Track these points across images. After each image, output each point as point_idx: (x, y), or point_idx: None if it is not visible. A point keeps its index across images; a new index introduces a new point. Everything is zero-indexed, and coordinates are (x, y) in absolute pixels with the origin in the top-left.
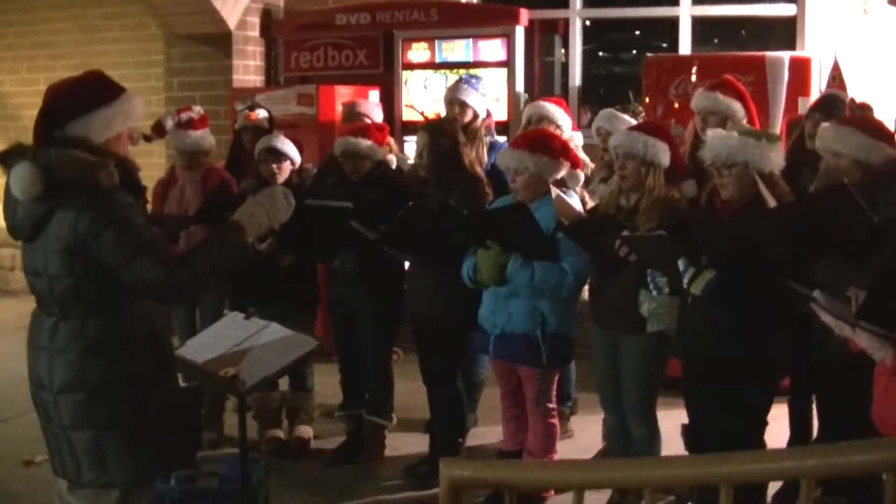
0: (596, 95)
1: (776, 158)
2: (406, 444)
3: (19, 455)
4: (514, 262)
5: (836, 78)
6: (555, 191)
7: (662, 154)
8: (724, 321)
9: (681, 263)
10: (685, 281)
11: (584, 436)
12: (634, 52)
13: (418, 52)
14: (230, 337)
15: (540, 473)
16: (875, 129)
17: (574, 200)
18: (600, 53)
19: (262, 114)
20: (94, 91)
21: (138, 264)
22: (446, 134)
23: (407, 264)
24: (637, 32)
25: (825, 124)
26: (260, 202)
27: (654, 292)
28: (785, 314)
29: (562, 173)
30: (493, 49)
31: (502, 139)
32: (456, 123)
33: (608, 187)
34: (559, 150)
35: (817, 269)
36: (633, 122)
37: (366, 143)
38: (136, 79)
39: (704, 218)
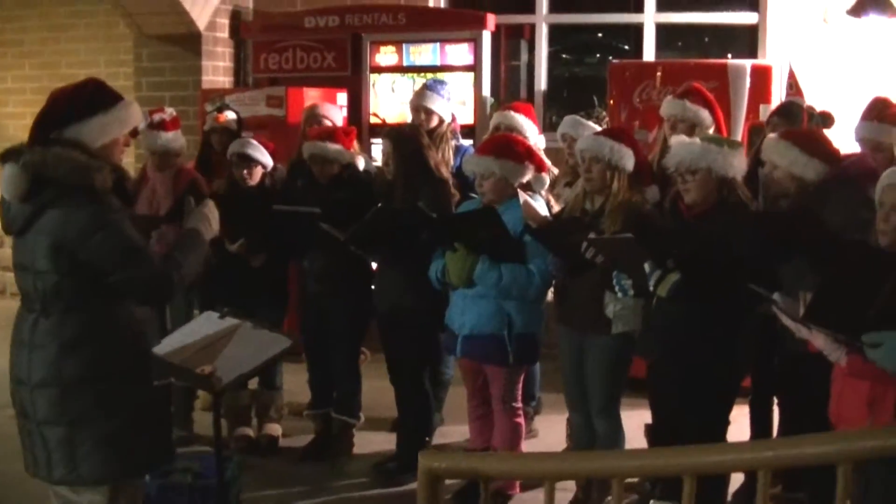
0: (561, 99)
1: (738, 164)
2: (374, 442)
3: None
4: (481, 264)
5: (793, 86)
6: (522, 195)
7: (627, 158)
8: (689, 322)
9: (647, 266)
10: (651, 283)
11: (548, 435)
12: (599, 55)
13: (386, 55)
14: (205, 335)
15: (514, 464)
16: (813, 145)
17: (540, 204)
18: (564, 56)
19: (230, 115)
20: (91, 97)
21: (130, 268)
22: (409, 139)
23: (374, 264)
24: (600, 35)
25: (771, 135)
26: (206, 214)
27: (620, 294)
28: (747, 316)
29: (527, 177)
30: (460, 53)
31: (468, 142)
32: (419, 128)
33: (573, 191)
34: (524, 154)
35: (781, 272)
36: (598, 128)
37: (333, 146)
38: (104, 78)
39: (669, 221)
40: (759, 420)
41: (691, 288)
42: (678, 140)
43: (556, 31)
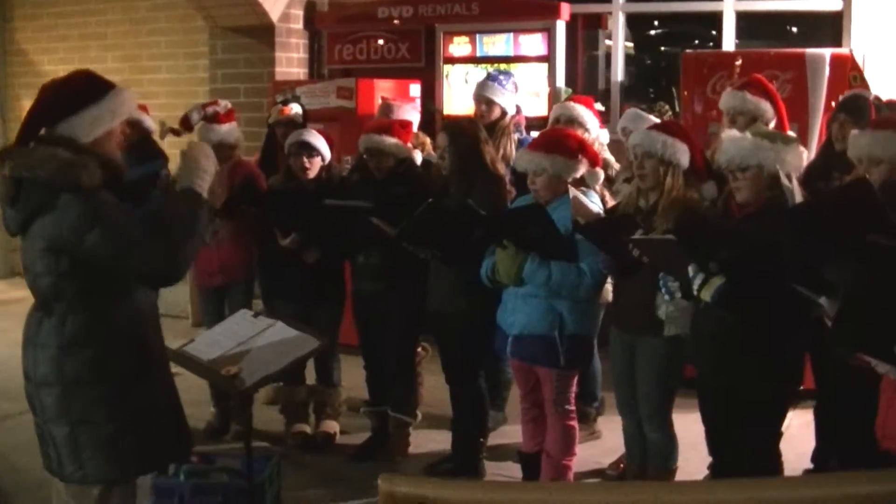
0: (640, 89)
1: (792, 160)
2: (432, 440)
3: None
4: (530, 262)
5: (857, 77)
6: (572, 190)
7: (681, 154)
8: (734, 328)
9: (690, 269)
10: (695, 287)
11: (611, 437)
12: (697, 41)
13: (459, 45)
14: (237, 335)
15: (478, 493)
16: None
17: (594, 199)
18: (664, 48)
19: (295, 108)
20: (82, 90)
21: (135, 257)
22: (466, 133)
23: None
24: (712, 31)
25: (855, 131)
26: (193, 157)
27: (666, 297)
28: (797, 320)
29: (581, 172)
30: (533, 43)
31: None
32: (477, 122)
33: (630, 188)
34: (576, 149)
35: (828, 271)
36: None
37: (389, 140)
38: (183, 70)
39: (715, 222)
40: (824, 429)
41: (736, 292)
42: (729, 135)
43: (639, 21)
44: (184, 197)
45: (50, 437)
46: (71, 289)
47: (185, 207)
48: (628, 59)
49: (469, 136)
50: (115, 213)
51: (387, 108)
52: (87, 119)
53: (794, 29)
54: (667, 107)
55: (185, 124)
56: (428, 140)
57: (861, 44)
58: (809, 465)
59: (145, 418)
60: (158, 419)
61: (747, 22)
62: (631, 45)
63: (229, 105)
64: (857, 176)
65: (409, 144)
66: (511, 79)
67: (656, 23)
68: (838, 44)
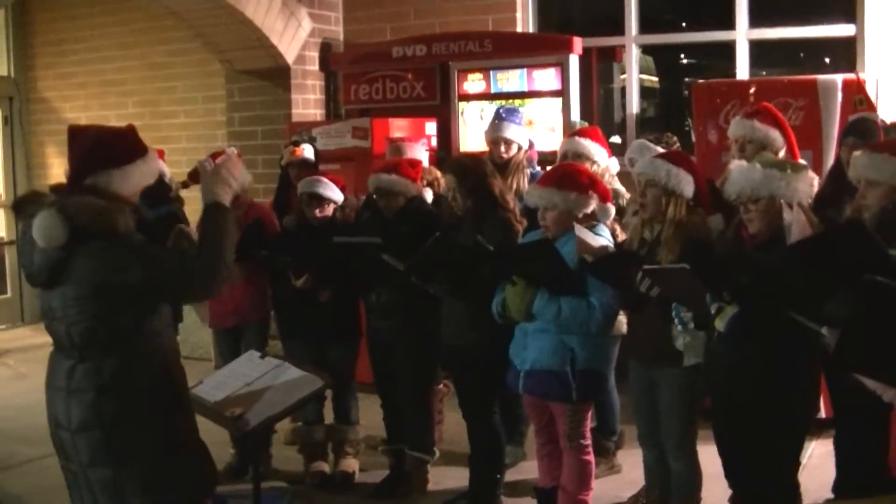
0: (669, 119)
1: (803, 188)
2: (450, 478)
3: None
4: (540, 297)
5: (863, 101)
6: (577, 227)
7: (685, 184)
8: (747, 357)
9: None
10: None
11: (631, 470)
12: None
13: (474, 82)
14: (243, 376)
15: None
16: None
17: (604, 233)
18: (688, 79)
19: (307, 149)
20: (133, 145)
21: (180, 279)
22: (472, 170)
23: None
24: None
25: (856, 153)
26: (216, 173)
27: (680, 327)
28: (810, 349)
29: (591, 207)
30: (547, 78)
31: None
32: (480, 157)
33: (637, 219)
34: (587, 185)
35: (829, 304)
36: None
37: (398, 179)
38: (201, 114)
39: (727, 250)
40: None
41: (750, 321)
42: (738, 166)
43: (665, 53)
44: (209, 213)
45: (86, 482)
46: (106, 332)
47: (212, 224)
48: (653, 91)
49: (475, 173)
50: (149, 249)
51: (395, 148)
52: (136, 172)
53: (826, 59)
54: (675, 138)
55: (194, 177)
56: (440, 174)
57: (874, 68)
58: (830, 496)
59: (183, 453)
60: (192, 453)
61: (766, 50)
62: (655, 79)
63: (235, 150)
64: (855, 205)
65: (419, 182)
66: (519, 113)
67: (682, 55)
68: (853, 69)
